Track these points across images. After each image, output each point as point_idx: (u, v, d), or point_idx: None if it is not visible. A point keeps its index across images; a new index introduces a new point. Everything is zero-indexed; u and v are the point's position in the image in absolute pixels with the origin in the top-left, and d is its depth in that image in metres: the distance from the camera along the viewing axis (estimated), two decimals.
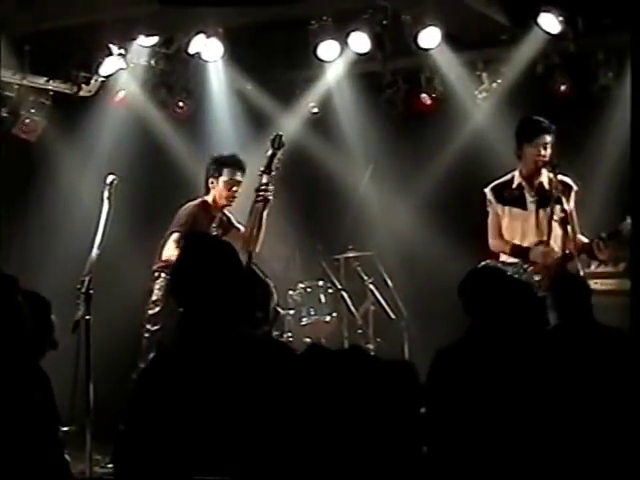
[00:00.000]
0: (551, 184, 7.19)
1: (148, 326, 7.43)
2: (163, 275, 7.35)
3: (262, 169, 7.37)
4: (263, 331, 4.13)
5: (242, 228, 7.67)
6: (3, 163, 8.72)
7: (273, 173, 7.38)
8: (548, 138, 7.17)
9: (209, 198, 7.70)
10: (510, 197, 7.34)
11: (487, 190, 7.48)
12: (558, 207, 7.11)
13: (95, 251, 6.79)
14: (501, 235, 7.39)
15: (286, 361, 3.64)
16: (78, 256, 7.28)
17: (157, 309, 7.43)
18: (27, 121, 8.91)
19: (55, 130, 9.05)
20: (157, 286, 7.44)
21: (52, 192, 9.01)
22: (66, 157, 9.19)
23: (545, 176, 7.28)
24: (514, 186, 7.35)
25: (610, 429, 4.23)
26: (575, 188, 7.32)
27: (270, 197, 7.40)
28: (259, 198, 7.36)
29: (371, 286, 8.90)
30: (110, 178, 7.21)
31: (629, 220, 6.70)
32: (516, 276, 7.05)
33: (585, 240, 7.18)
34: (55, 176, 9.09)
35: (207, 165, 7.74)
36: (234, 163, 7.67)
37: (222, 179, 7.63)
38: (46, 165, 9.09)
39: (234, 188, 7.65)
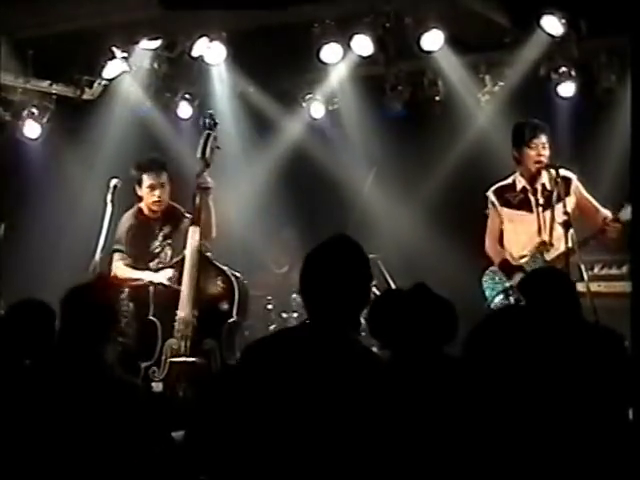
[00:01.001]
0: (552, 183, 7.18)
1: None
2: (127, 290, 7.25)
3: (198, 156, 7.17)
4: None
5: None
6: (6, 166, 8.73)
7: (207, 158, 7.14)
8: (545, 138, 7.19)
9: (142, 205, 7.46)
10: (515, 200, 7.32)
11: (490, 193, 7.45)
12: (560, 208, 7.09)
13: (98, 254, 6.79)
14: (500, 239, 7.37)
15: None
16: (82, 259, 7.28)
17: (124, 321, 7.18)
18: (30, 124, 8.93)
19: (58, 133, 9.07)
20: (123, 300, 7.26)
21: (55, 195, 9.03)
22: (69, 160, 9.21)
23: (546, 176, 7.26)
24: (518, 189, 7.33)
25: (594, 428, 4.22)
26: (574, 177, 7.26)
27: (206, 185, 7.13)
28: (197, 187, 7.13)
29: (374, 289, 8.89)
30: (113, 182, 7.23)
31: (628, 208, 6.74)
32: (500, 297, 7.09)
33: (608, 213, 7.11)
34: (58, 179, 9.11)
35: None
36: (151, 166, 7.40)
37: (144, 185, 7.36)
38: (49, 168, 9.10)
39: (156, 192, 7.35)
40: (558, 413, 3.97)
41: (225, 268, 7.05)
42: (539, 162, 7.20)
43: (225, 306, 6.98)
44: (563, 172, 7.18)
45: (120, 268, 7.25)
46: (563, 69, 8.69)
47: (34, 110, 8.89)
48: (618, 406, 4.22)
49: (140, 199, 7.43)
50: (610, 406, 4.25)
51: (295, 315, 9.09)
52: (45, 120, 8.98)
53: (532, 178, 7.30)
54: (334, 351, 3.52)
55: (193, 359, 6.83)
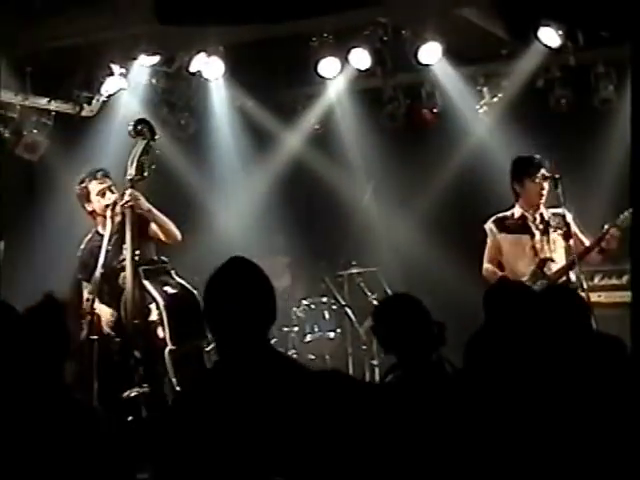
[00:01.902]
0: (549, 215, 7.22)
1: None
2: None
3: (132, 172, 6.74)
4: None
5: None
6: (6, 183, 8.74)
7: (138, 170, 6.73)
8: (545, 171, 7.19)
9: (98, 226, 6.99)
10: (514, 227, 7.33)
11: (487, 224, 7.44)
12: (561, 234, 7.13)
13: (99, 270, 6.78)
14: (498, 262, 7.36)
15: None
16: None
17: None
18: (29, 141, 8.94)
19: (57, 150, 9.07)
20: None
21: (54, 212, 9.02)
22: (68, 177, 9.19)
23: (543, 209, 7.29)
24: (516, 217, 7.34)
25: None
26: (568, 215, 7.25)
27: (128, 202, 6.65)
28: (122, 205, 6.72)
29: (375, 302, 8.89)
30: (112, 198, 7.22)
31: (626, 213, 6.77)
32: None
33: (587, 242, 7.15)
34: (57, 196, 9.10)
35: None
36: (94, 174, 6.94)
37: (93, 194, 6.90)
38: (48, 185, 9.11)
39: (107, 195, 6.90)
40: (560, 421, 3.98)
41: (155, 293, 6.58)
42: (541, 195, 7.21)
43: (161, 334, 6.53)
44: (556, 210, 7.20)
45: (89, 298, 6.79)
46: (560, 80, 8.71)
47: (33, 126, 8.91)
48: (623, 419, 4.21)
49: (93, 216, 7.02)
50: (614, 419, 4.24)
51: (296, 329, 9.09)
52: (44, 136, 8.99)
53: (532, 209, 7.32)
54: (250, 369, 3.58)
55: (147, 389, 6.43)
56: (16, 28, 7.85)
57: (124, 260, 6.72)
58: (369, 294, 8.93)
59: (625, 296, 7.40)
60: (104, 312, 6.76)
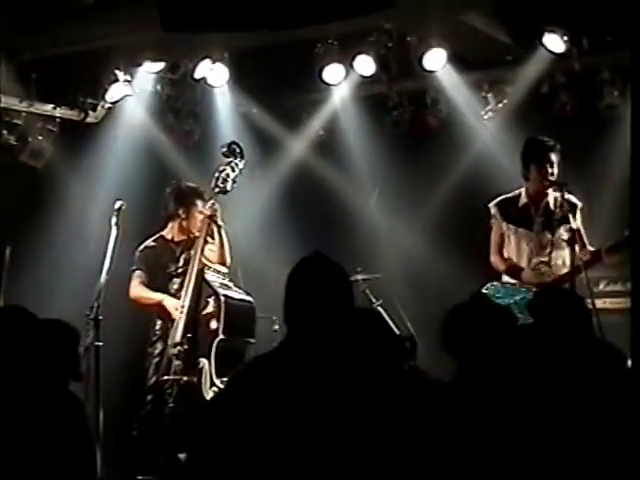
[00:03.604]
0: (556, 204, 7.20)
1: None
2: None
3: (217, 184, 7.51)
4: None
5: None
6: (10, 189, 8.75)
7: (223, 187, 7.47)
8: (555, 157, 7.18)
9: (165, 232, 7.71)
10: (516, 216, 7.33)
11: (492, 205, 7.47)
12: (564, 227, 7.12)
13: (104, 277, 6.79)
14: (502, 251, 7.39)
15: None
16: (87, 282, 7.30)
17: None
18: (34, 148, 8.96)
19: (62, 156, 9.09)
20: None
21: (60, 218, 9.03)
22: (74, 183, 9.22)
23: (551, 196, 7.28)
24: (520, 205, 7.33)
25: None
26: (580, 205, 7.31)
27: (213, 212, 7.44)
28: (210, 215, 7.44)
29: (380, 308, 8.88)
30: (118, 204, 7.23)
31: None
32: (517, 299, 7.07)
33: (593, 249, 7.17)
34: (63, 202, 9.12)
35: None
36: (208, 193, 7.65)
37: (197, 210, 7.60)
38: (54, 191, 9.12)
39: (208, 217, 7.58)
40: (560, 429, 3.97)
41: (218, 289, 7.27)
42: (548, 180, 7.18)
43: (214, 325, 7.15)
44: (569, 197, 7.19)
45: (135, 287, 7.49)
46: (565, 86, 8.70)
47: (38, 133, 8.92)
48: (622, 428, 4.20)
49: (164, 226, 7.65)
50: (612, 426, 4.23)
51: None
52: (49, 143, 9.01)
53: (537, 196, 7.30)
54: (320, 362, 3.56)
55: (184, 377, 7.07)
56: (21, 35, 7.88)
57: (178, 270, 7.46)
58: (374, 300, 8.91)
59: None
60: (168, 300, 7.32)
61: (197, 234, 7.47)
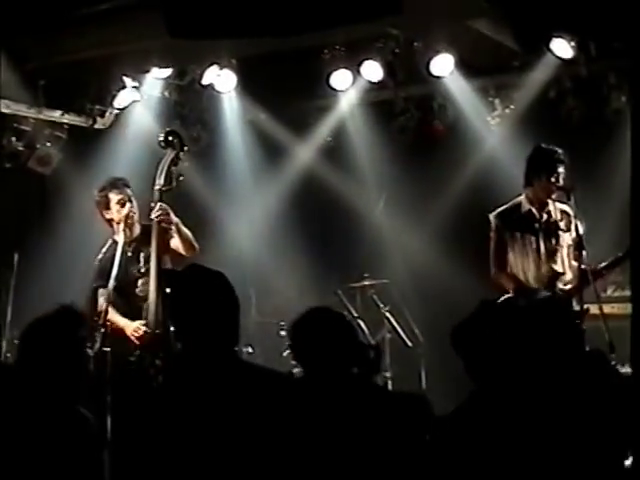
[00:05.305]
0: (556, 212, 7.16)
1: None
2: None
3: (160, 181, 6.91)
4: None
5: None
6: (19, 196, 8.77)
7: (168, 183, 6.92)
8: (563, 169, 7.08)
9: (116, 235, 7.05)
10: (520, 223, 7.21)
11: (492, 216, 7.31)
12: (569, 233, 7.09)
13: (111, 283, 6.79)
14: (505, 267, 7.24)
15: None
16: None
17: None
18: (42, 154, 8.98)
19: (70, 163, 9.11)
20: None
21: (67, 224, 9.05)
22: (81, 189, 9.23)
23: (552, 205, 7.20)
24: (523, 212, 7.23)
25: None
26: (572, 214, 7.17)
27: (169, 221, 6.86)
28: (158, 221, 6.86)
29: (387, 314, 8.89)
30: (125, 209, 7.23)
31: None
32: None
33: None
34: (70, 208, 9.13)
35: None
36: (115, 183, 7.12)
37: (112, 203, 7.05)
38: (62, 198, 9.14)
39: (127, 205, 7.07)
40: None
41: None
42: (550, 191, 7.10)
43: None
44: (563, 207, 7.14)
45: (103, 307, 6.78)
46: (572, 91, 8.70)
47: (46, 139, 8.94)
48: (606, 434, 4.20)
49: (110, 224, 7.09)
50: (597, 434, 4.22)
51: None
52: (57, 149, 9.03)
53: (540, 203, 7.22)
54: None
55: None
56: (29, 41, 7.90)
57: (141, 270, 6.87)
58: (381, 306, 8.92)
59: None
60: (128, 325, 6.80)
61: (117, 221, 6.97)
